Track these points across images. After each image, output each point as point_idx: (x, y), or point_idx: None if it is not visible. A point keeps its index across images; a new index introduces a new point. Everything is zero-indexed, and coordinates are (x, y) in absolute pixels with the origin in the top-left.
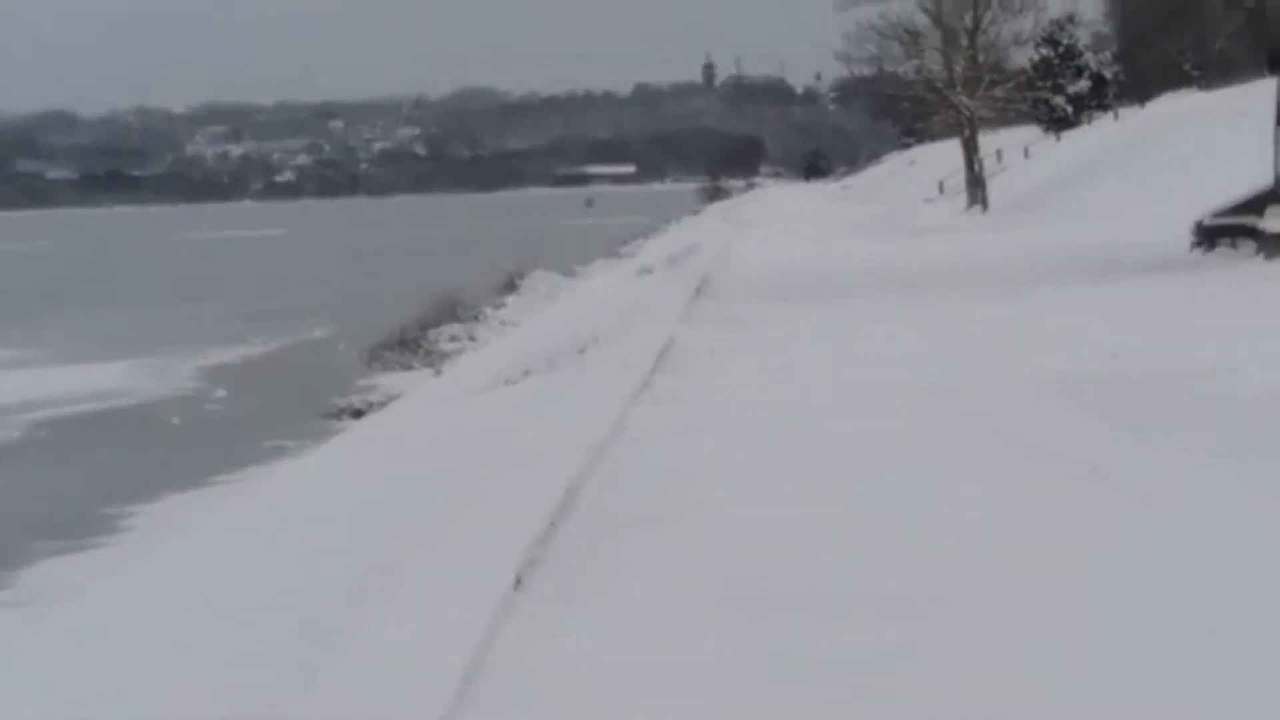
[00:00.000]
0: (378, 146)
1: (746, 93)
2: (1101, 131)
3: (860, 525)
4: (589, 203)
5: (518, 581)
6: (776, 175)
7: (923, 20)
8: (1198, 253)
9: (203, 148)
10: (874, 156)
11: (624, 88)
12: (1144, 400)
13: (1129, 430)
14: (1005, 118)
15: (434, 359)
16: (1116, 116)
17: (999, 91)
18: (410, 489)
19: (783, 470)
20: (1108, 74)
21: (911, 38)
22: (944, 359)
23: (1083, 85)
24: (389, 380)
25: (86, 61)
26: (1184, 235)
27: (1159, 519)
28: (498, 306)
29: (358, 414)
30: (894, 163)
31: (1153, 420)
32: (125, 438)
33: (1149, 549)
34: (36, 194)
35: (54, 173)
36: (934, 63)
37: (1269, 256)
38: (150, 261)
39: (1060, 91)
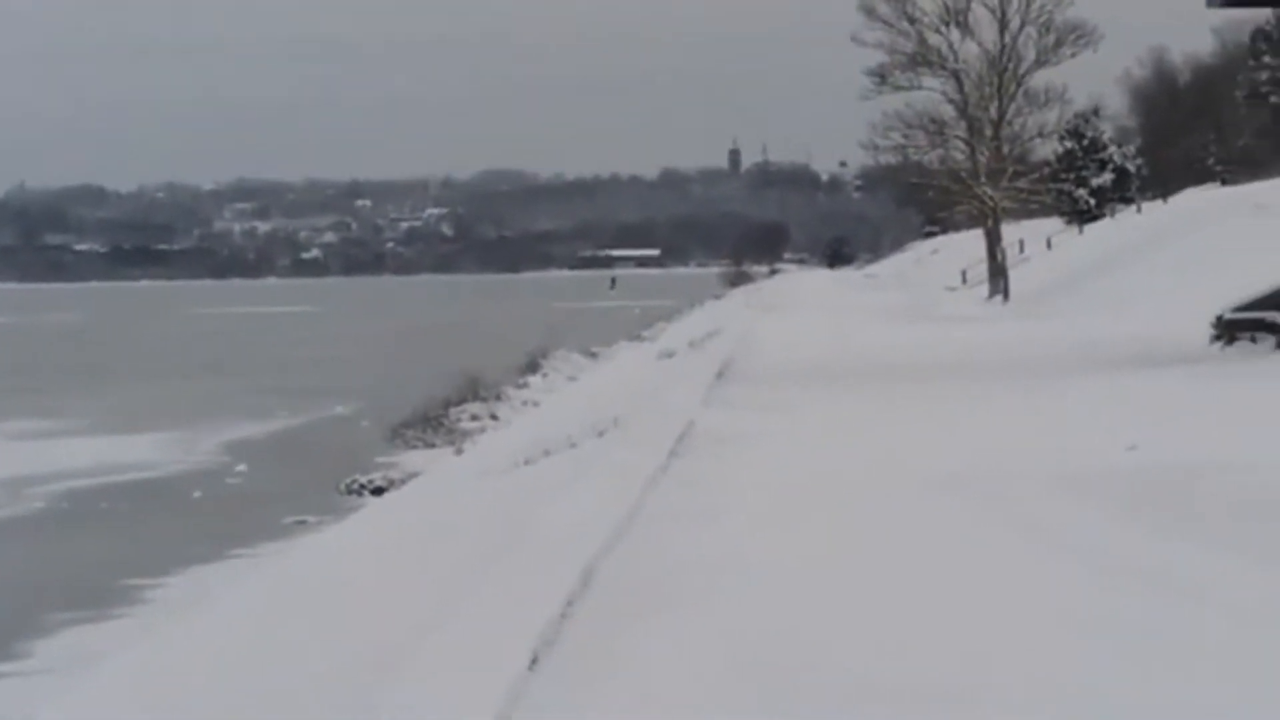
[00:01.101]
0: (404, 226)
1: (772, 179)
2: (1124, 224)
3: (881, 615)
4: (613, 285)
5: (533, 661)
6: (800, 261)
7: (948, 111)
8: (1217, 347)
9: (230, 224)
10: (898, 244)
11: (650, 171)
12: (1162, 494)
13: (1148, 525)
14: (1028, 209)
15: (455, 437)
16: (1139, 210)
17: (1023, 183)
18: (427, 567)
19: (799, 557)
20: (1131, 167)
21: (937, 127)
22: (964, 449)
23: (1106, 178)
24: (410, 458)
25: (117, 137)
26: (1204, 329)
27: (1197, 618)
28: (520, 386)
29: (378, 491)
30: (918, 251)
31: (1171, 515)
32: (148, 510)
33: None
34: (65, 267)
35: (83, 246)
36: (959, 153)
37: None
38: (176, 336)
39: (1084, 184)
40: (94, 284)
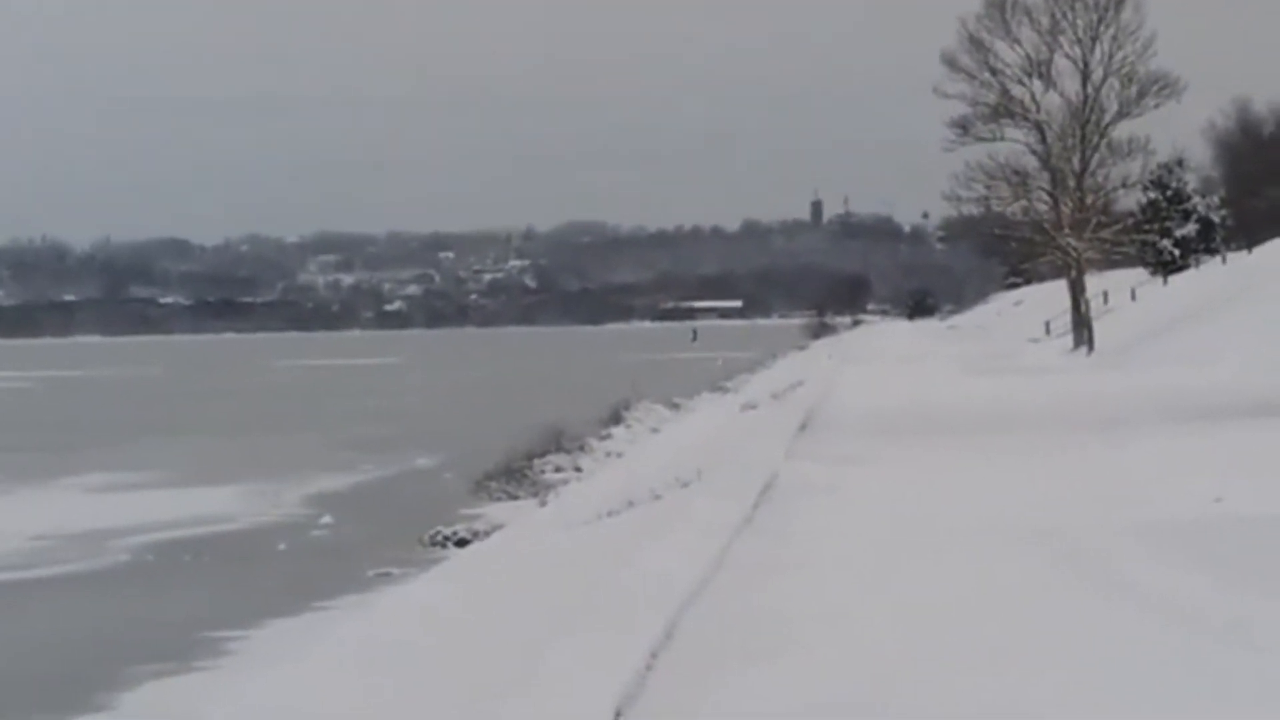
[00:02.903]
0: (487, 278)
1: (854, 230)
2: (1209, 275)
3: (965, 668)
4: (694, 336)
5: (617, 716)
6: (883, 313)
7: (1031, 162)
8: None
9: (314, 276)
10: (980, 296)
11: (732, 223)
12: (1247, 547)
13: (1232, 578)
14: (1112, 260)
15: (539, 489)
16: (1224, 260)
17: (1106, 234)
18: (511, 619)
19: (884, 610)
20: (1215, 218)
21: (1019, 179)
22: (1047, 501)
23: (1190, 229)
24: (494, 509)
25: (201, 191)
26: None
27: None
28: (603, 438)
29: (462, 543)
30: (1000, 302)
31: (1257, 569)
32: (232, 562)
33: None
34: (150, 320)
35: (168, 299)
36: (1042, 204)
37: None
38: (260, 388)
39: (1168, 235)
40: (178, 336)
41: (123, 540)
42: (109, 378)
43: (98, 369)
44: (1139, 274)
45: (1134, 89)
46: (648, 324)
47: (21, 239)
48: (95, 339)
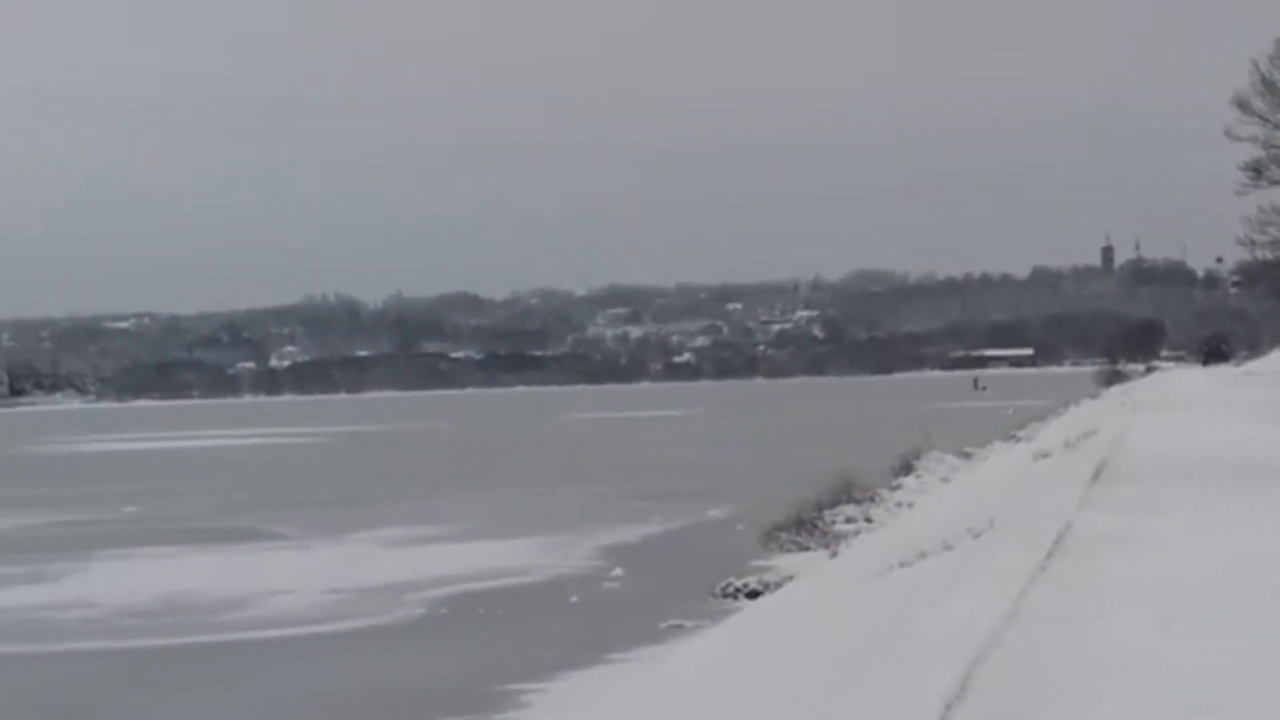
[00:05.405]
0: (775, 328)
1: (1146, 275)
2: None
3: None
4: (976, 385)
5: None
6: (1177, 359)
7: None
8: None
9: (603, 329)
10: (1276, 341)
11: (1022, 270)
12: None
13: None
14: None
15: (829, 539)
16: None
17: None
18: (802, 673)
19: (1188, 665)
20: None
21: None
22: None
23: None
24: (784, 560)
25: (490, 245)
26: None
27: None
28: (893, 488)
29: (753, 594)
30: None
31: None
32: (525, 614)
33: None
34: (442, 374)
35: (459, 353)
36: None
37: None
38: (551, 440)
39: None
40: (470, 390)
41: (417, 594)
42: (402, 432)
43: (391, 423)
44: None
45: None
46: (938, 373)
47: (315, 296)
48: (388, 394)
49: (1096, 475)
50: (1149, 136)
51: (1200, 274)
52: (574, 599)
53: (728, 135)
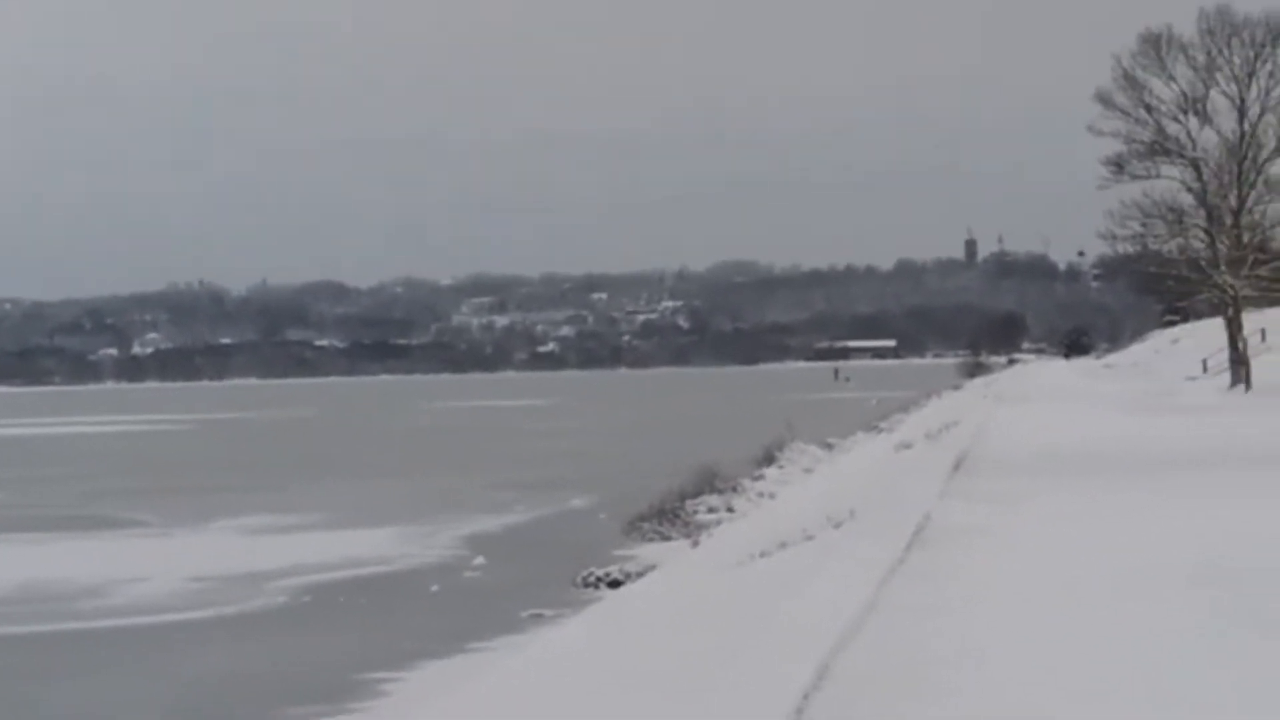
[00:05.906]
0: (640, 319)
1: (1008, 269)
2: None
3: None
4: (837, 375)
5: None
6: (1038, 351)
7: (1187, 199)
8: None
9: (468, 318)
10: (1137, 334)
11: (886, 263)
12: None
13: None
14: (1271, 297)
15: (691, 530)
16: None
17: (1264, 271)
18: (663, 663)
19: (1039, 652)
20: None
21: (1175, 216)
22: (1209, 542)
23: None
24: (646, 550)
25: (356, 234)
26: None
27: None
28: (755, 478)
29: (614, 584)
30: (1157, 340)
31: None
32: (386, 603)
33: None
34: (306, 362)
35: (323, 341)
36: (1198, 241)
37: None
38: (413, 430)
39: None
40: (334, 378)
41: (278, 582)
42: (265, 420)
43: (254, 411)
44: None
45: None
46: (802, 364)
47: (179, 283)
48: (252, 381)
49: (957, 466)
50: (1009, 132)
51: (1062, 267)
52: (435, 588)
53: (598, 128)
